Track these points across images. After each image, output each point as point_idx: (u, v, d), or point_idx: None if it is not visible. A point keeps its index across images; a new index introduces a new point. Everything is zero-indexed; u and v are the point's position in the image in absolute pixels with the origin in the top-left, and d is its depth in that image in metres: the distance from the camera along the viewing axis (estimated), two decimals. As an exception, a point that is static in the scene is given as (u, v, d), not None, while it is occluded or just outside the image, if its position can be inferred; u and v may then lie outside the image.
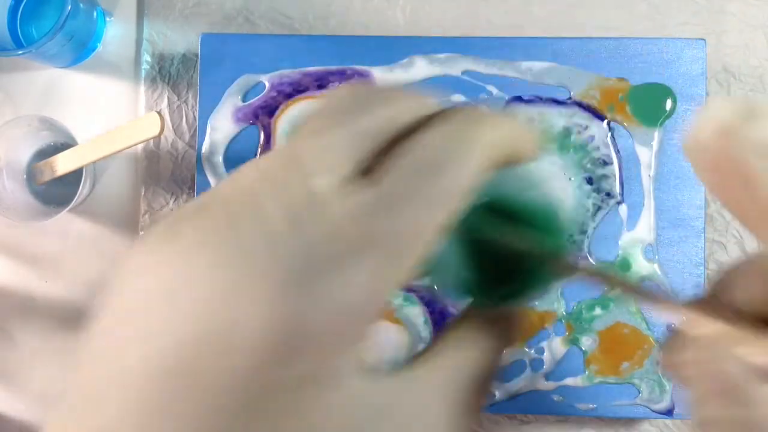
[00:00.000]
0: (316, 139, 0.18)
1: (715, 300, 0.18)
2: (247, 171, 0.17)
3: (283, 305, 0.16)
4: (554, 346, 0.41)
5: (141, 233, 0.44)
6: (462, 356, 0.19)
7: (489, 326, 0.19)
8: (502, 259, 0.19)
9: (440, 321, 0.41)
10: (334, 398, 0.17)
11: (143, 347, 0.16)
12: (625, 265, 0.41)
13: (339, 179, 0.17)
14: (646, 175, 0.41)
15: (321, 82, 0.42)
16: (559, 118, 0.41)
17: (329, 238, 0.17)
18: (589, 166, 0.41)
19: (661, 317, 0.21)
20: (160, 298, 0.16)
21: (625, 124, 0.41)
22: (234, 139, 0.42)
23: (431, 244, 0.17)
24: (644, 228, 0.41)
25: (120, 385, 0.16)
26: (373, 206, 0.17)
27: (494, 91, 0.42)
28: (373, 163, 0.18)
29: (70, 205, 0.41)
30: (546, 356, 0.41)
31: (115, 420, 0.15)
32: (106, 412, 0.16)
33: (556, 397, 0.41)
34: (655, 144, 0.41)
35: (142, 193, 0.44)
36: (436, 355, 0.18)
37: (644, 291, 0.18)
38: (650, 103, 0.41)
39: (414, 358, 0.18)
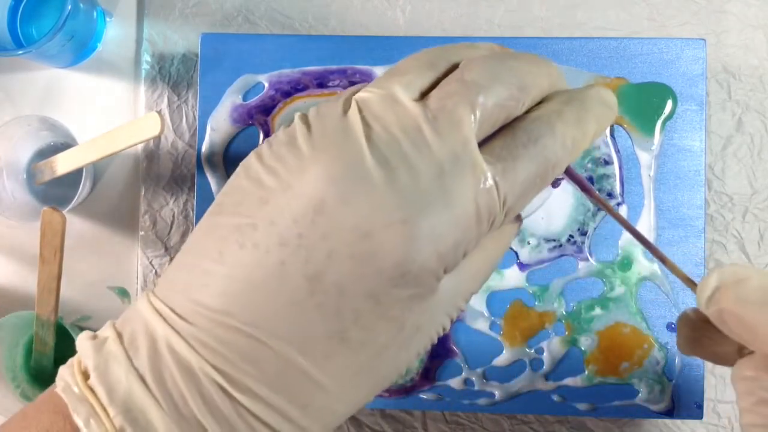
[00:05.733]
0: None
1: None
2: None
3: (404, 246, 0.22)
4: (554, 346, 0.41)
5: (141, 233, 0.44)
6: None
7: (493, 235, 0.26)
8: None
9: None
10: (431, 302, 0.25)
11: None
12: (625, 264, 0.41)
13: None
14: (646, 175, 0.41)
15: (321, 81, 0.42)
16: (559, 118, 0.41)
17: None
18: (590, 165, 0.41)
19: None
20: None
21: (624, 125, 0.41)
22: (234, 139, 0.42)
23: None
24: (644, 228, 0.41)
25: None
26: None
27: (494, 91, 0.42)
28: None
29: (70, 205, 0.41)
30: (545, 356, 0.41)
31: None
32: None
33: (555, 397, 0.41)
34: (654, 145, 0.41)
35: (142, 193, 0.44)
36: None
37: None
38: (644, 103, 0.41)
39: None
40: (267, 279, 0.23)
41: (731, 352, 0.27)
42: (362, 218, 0.23)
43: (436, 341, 0.26)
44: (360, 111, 0.24)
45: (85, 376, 0.24)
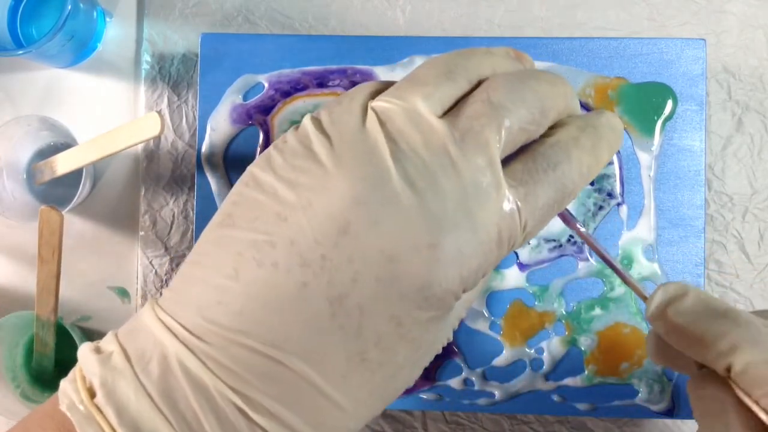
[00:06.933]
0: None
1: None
2: None
3: (430, 270, 0.22)
4: (554, 346, 0.41)
5: (141, 233, 0.44)
6: None
7: None
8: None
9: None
10: (448, 320, 0.25)
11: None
12: (625, 265, 0.41)
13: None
14: (646, 175, 0.41)
15: (321, 81, 0.42)
16: (559, 118, 0.41)
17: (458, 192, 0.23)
18: (589, 166, 0.41)
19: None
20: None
21: (624, 125, 0.41)
22: (234, 139, 0.42)
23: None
24: (644, 228, 0.41)
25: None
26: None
27: (494, 91, 0.42)
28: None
29: (70, 205, 0.41)
30: (545, 356, 0.41)
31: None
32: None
33: (555, 397, 0.41)
34: (654, 145, 0.41)
35: (142, 193, 0.44)
36: None
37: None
38: (644, 103, 0.41)
39: None
40: (287, 300, 0.22)
41: (691, 364, 0.27)
42: (389, 241, 0.22)
43: (440, 352, 0.26)
44: (381, 123, 0.23)
45: (91, 392, 0.23)
